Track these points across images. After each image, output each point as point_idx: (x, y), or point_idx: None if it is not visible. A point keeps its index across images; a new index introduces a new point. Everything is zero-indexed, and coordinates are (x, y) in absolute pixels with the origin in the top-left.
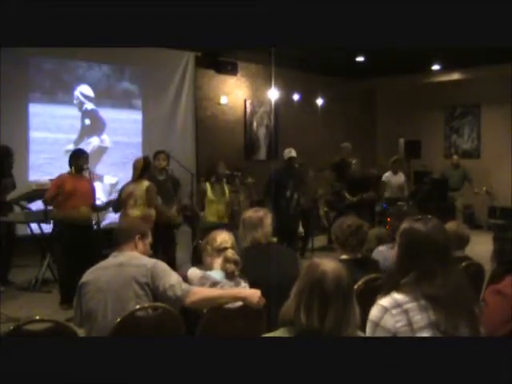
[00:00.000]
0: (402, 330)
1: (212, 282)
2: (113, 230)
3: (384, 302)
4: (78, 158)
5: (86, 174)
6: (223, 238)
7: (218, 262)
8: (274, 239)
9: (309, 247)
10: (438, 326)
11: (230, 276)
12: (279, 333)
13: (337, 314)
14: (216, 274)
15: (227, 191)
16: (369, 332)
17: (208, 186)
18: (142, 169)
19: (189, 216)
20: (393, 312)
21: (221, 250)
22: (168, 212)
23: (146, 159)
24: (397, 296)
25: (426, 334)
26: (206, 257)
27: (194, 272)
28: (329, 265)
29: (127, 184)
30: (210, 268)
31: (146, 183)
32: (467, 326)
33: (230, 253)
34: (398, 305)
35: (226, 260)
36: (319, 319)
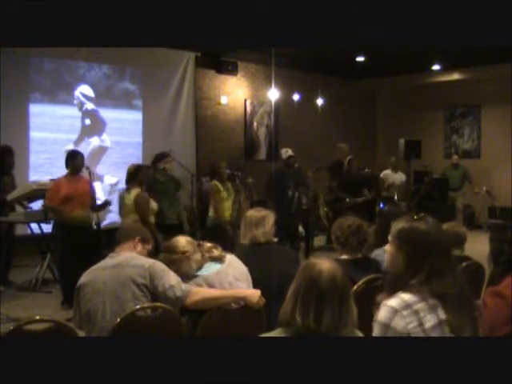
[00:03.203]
0: (413, 331)
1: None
2: (113, 230)
3: (392, 302)
4: (74, 159)
5: (86, 174)
6: (184, 244)
7: (198, 257)
8: (275, 239)
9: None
10: (449, 325)
11: (221, 260)
12: (276, 333)
13: (333, 313)
14: (211, 266)
15: (231, 189)
16: (378, 334)
17: (219, 185)
18: (131, 175)
19: (190, 217)
20: (403, 313)
21: (198, 248)
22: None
23: (138, 167)
24: (405, 296)
25: (435, 333)
26: (186, 267)
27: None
28: (325, 264)
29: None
30: (197, 269)
31: (134, 192)
32: (470, 326)
33: (205, 246)
34: (407, 305)
35: (208, 251)
36: (315, 319)
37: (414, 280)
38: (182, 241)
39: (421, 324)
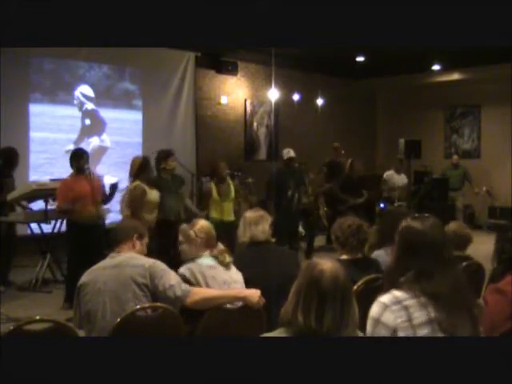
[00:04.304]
0: (401, 325)
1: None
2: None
3: (384, 298)
4: (80, 158)
5: (86, 174)
6: (211, 231)
7: (206, 252)
8: (273, 240)
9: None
10: (439, 324)
11: (226, 267)
12: (277, 333)
13: (334, 313)
14: (207, 260)
15: (233, 189)
16: (369, 329)
17: (213, 186)
18: (138, 169)
19: (189, 215)
20: (393, 308)
21: (210, 244)
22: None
23: (144, 159)
24: (397, 293)
25: (425, 330)
26: (190, 245)
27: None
28: (327, 264)
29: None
30: (195, 257)
31: (133, 184)
32: (467, 325)
33: (219, 248)
34: (397, 301)
35: (220, 253)
36: (317, 319)
37: (403, 277)
38: (203, 226)
39: (409, 319)
